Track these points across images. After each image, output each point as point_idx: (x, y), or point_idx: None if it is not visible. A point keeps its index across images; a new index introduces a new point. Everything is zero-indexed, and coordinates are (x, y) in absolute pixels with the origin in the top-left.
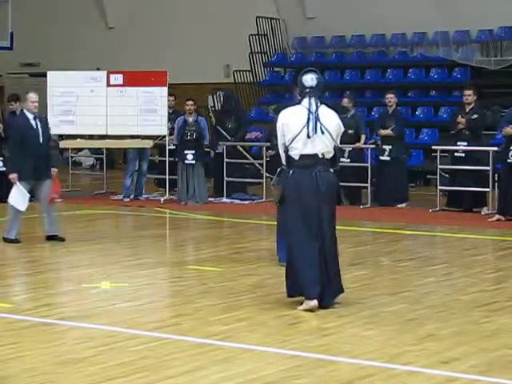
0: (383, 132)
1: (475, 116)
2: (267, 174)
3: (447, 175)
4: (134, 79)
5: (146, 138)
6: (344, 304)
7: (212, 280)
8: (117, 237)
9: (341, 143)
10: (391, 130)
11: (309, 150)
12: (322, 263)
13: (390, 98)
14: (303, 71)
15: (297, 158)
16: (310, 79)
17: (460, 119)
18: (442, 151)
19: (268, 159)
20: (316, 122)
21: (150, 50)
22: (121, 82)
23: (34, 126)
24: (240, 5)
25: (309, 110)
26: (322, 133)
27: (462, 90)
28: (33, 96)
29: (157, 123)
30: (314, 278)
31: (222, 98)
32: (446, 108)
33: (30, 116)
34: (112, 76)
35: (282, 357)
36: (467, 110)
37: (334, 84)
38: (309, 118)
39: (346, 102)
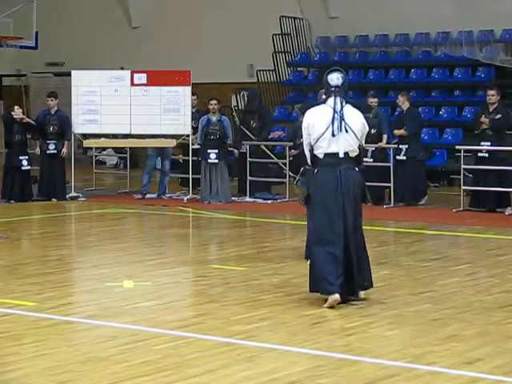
0: (397, 132)
1: (499, 116)
2: (290, 174)
3: (471, 175)
4: (157, 78)
5: (170, 137)
6: (367, 304)
7: (235, 279)
8: (140, 236)
9: (364, 143)
10: (404, 129)
11: (333, 149)
12: (346, 261)
13: (398, 100)
14: (328, 70)
15: (321, 156)
16: (335, 78)
17: (483, 119)
18: (466, 151)
19: (291, 159)
20: (341, 121)
21: (174, 49)
22: (144, 81)
23: None
24: (264, 4)
25: (334, 109)
26: (347, 131)
27: (485, 90)
28: None
29: (180, 122)
30: (334, 275)
31: (245, 98)
32: (470, 108)
33: None
34: (136, 75)
35: (305, 356)
36: (491, 110)
37: (357, 84)
38: (334, 117)
39: (370, 101)
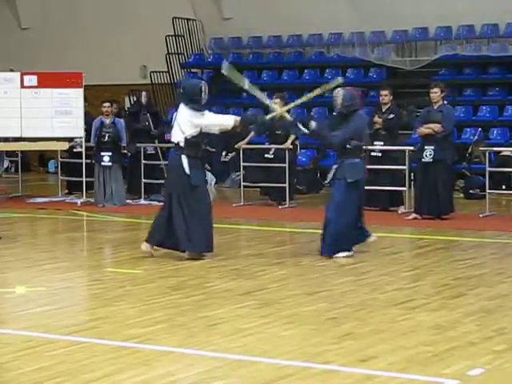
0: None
1: (391, 116)
2: None
3: None
4: (48, 80)
5: (62, 139)
6: (263, 304)
7: (130, 282)
8: (33, 240)
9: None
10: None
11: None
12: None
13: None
14: None
15: None
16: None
17: (376, 119)
18: None
19: None
20: (175, 117)
21: (66, 50)
22: (35, 83)
23: None
24: (156, 5)
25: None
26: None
27: (378, 90)
28: None
29: (72, 125)
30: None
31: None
32: (363, 108)
33: None
34: (26, 77)
35: (202, 358)
36: (383, 110)
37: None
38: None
39: (277, 103)
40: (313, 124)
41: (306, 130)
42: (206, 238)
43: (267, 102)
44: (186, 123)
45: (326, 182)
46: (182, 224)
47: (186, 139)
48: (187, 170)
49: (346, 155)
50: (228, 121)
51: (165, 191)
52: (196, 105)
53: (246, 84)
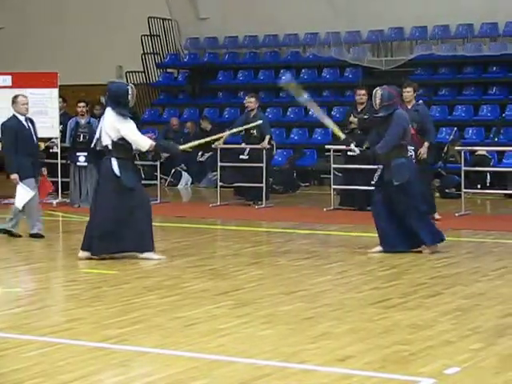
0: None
1: (367, 115)
2: (161, 175)
3: (340, 174)
4: (23, 80)
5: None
6: (240, 304)
7: (106, 283)
8: (8, 241)
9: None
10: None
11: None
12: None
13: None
14: None
15: None
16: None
17: (352, 119)
18: (335, 150)
19: (162, 161)
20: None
21: (40, 50)
22: (9, 83)
23: (27, 127)
24: (132, 5)
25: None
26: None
27: (354, 90)
28: (23, 99)
29: (48, 125)
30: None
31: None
32: (339, 108)
33: (22, 118)
34: (0, 77)
35: (179, 358)
36: (359, 110)
37: (226, 85)
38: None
39: (247, 101)
40: (356, 150)
41: (357, 151)
42: (146, 238)
43: (327, 121)
44: (110, 126)
45: (372, 182)
46: (112, 226)
47: (113, 142)
48: (117, 173)
49: (392, 155)
50: (144, 143)
51: (95, 195)
52: (123, 110)
53: (305, 100)
